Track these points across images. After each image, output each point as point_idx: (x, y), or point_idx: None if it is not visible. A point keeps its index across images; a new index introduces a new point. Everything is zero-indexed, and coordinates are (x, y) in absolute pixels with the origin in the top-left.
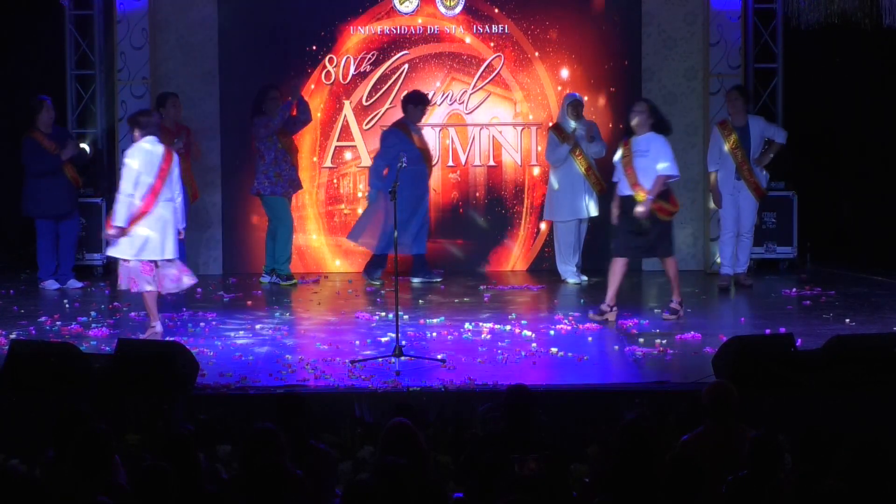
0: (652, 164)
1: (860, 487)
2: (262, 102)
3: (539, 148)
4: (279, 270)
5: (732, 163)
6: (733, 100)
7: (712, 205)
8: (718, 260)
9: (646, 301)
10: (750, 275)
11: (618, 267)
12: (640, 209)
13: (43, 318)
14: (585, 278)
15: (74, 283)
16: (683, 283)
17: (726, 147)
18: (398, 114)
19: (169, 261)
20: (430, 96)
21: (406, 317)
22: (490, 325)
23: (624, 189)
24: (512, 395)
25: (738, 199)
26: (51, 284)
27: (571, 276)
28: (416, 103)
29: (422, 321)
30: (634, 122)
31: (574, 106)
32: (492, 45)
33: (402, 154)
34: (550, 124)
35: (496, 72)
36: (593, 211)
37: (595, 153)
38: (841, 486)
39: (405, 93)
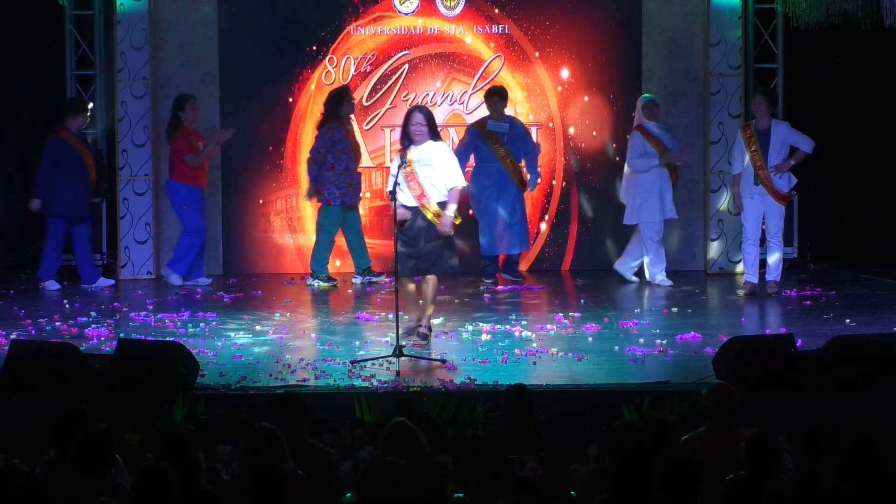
0: (437, 174)
1: (855, 486)
2: (339, 106)
3: (540, 148)
4: (319, 273)
5: (751, 167)
6: (757, 103)
7: (722, 206)
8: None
9: (646, 301)
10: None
11: (404, 289)
12: (444, 229)
13: (43, 319)
14: (637, 279)
15: (105, 282)
16: (684, 282)
17: (746, 151)
18: (398, 114)
19: None
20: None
21: (406, 317)
22: (490, 325)
23: (404, 200)
24: (512, 395)
25: (762, 205)
26: (51, 285)
27: (664, 279)
28: (486, 98)
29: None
30: (417, 132)
31: (649, 107)
32: (492, 45)
33: (402, 155)
34: (634, 128)
35: (496, 72)
36: (675, 211)
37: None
38: (838, 485)
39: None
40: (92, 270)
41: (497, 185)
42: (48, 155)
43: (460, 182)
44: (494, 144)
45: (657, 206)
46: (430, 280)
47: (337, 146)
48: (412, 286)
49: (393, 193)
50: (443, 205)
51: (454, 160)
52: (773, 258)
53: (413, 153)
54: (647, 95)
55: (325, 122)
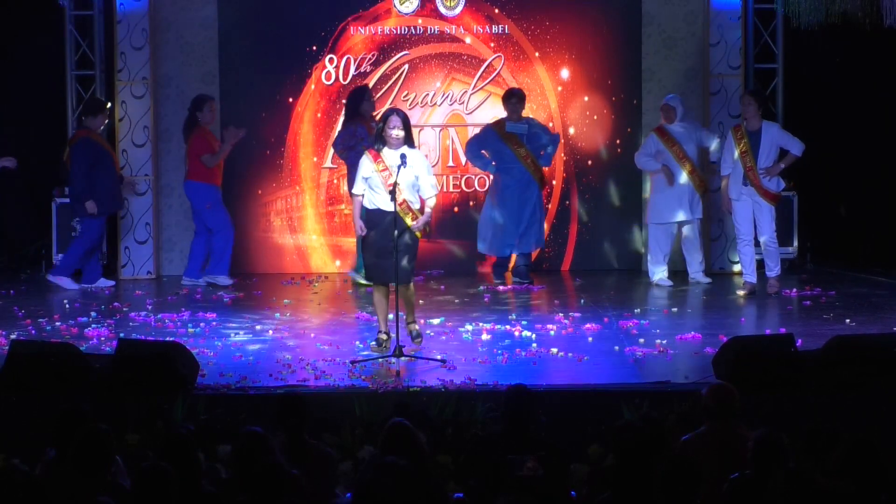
0: (414, 179)
1: (855, 485)
2: (359, 104)
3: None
4: (361, 268)
5: (741, 168)
6: (747, 104)
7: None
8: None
9: (646, 301)
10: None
11: (379, 297)
12: (418, 226)
13: (43, 319)
14: (709, 279)
15: (105, 282)
16: (684, 282)
17: (736, 152)
18: None
19: None
20: (517, 90)
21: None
22: (490, 325)
23: (376, 202)
24: (512, 395)
25: (751, 205)
26: (68, 283)
27: (663, 279)
28: (504, 99)
29: (422, 321)
30: (394, 135)
31: (665, 110)
32: (492, 45)
33: (402, 155)
34: (653, 129)
35: (496, 72)
36: (697, 213)
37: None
38: (833, 484)
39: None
40: (96, 270)
41: (519, 186)
42: (80, 157)
43: (434, 191)
44: (514, 145)
45: (663, 207)
46: (410, 286)
47: (363, 143)
48: (383, 295)
49: (393, 193)
50: (419, 210)
51: (431, 171)
52: (771, 255)
53: (388, 156)
54: (669, 96)
55: (348, 121)
